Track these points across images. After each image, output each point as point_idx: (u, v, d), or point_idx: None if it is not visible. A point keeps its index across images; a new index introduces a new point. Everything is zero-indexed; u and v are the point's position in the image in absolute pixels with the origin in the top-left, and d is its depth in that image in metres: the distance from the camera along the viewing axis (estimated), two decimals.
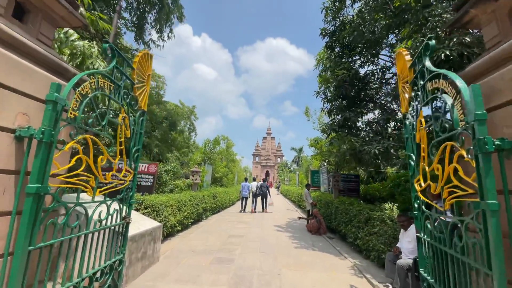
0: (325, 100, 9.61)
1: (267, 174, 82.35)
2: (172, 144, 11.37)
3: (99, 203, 2.75)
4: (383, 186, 10.18)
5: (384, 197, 9.69)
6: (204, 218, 10.27)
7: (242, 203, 13.54)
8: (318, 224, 8.33)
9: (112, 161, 2.96)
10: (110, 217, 3.00)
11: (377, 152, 6.42)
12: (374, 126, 8.52)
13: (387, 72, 9.22)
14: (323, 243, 7.30)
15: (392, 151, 6.72)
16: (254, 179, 17.09)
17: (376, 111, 8.99)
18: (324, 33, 9.37)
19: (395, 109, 8.53)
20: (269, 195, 14.71)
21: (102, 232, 2.88)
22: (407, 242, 3.89)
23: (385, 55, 9.17)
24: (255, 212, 13.21)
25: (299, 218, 10.63)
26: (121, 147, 3.15)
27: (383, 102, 8.95)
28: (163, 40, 11.10)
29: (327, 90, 9.44)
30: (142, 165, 8.00)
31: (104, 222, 2.90)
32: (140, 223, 4.63)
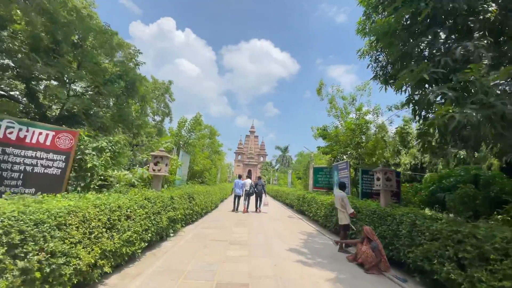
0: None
1: (250, 172, 78.54)
2: (124, 117, 7.22)
3: None
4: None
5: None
6: (172, 234, 6.26)
7: (234, 202, 12.65)
8: (377, 256, 4.66)
9: None
10: None
11: None
12: None
13: None
14: None
15: None
16: (249, 177, 14.42)
17: None
18: None
19: None
20: (265, 194, 13.40)
21: None
22: None
23: None
24: (247, 212, 12.24)
25: (337, 242, 6.41)
26: None
27: None
28: None
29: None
30: (38, 132, 3.87)
31: None
32: None
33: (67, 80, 7.87)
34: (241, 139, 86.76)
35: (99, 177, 4.43)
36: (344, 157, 10.19)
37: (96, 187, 4.42)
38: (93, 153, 4.40)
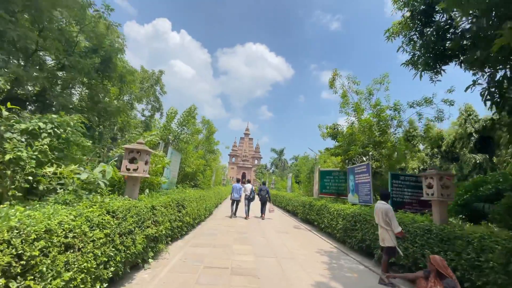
0: None
1: (244, 175, 76.67)
2: (96, 101, 5.50)
3: None
4: None
5: None
6: (151, 259, 4.53)
7: (232, 207, 11.87)
8: None
9: None
10: None
11: None
12: None
13: None
14: None
15: None
16: (249, 181, 13.58)
17: None
18: None
19: None
20: (269, 201, 12.69)
21: None
22: None
23: None
24: (248, 217, 11.56)
25: (387, 277, 4.31)
26: None
27: None
28: None
29: None
30: None
31: None
32: None
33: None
34: (236, 141, 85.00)
35: (26, 177, 2.73)
36: (364, 158, 8.66)
37: (18, 193, 2.70)
38: (20, 138, 2.70)
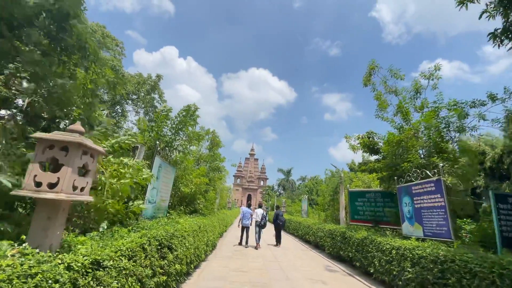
0: None
1: (249, 197, 73.10)
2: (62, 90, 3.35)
3: None
4: None
5: None
6: None
7: (242, 235, 10.93)
8: None
9: None
10: None
11: None
12: None
13: None
14: None
15: None
16: (260, 206, 12.27)
17: None
18: None
19: None
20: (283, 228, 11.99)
21: None
22: None
23: None
24: (259, 247, 10.42)
25: None
26: None
27: None
28: None
29: None
30: None
31: None
32: None
33: None
34: (241, 161, 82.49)
35: None
36: (429, 173, 6.16)
37: None
38: None
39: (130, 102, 12.86)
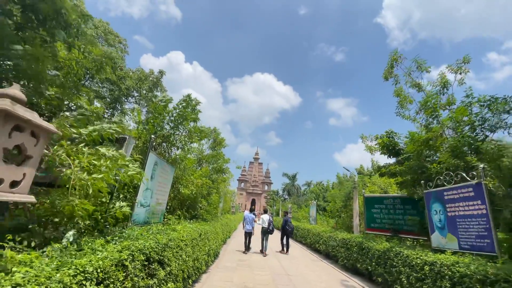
0: None
1: (253, 202, 72.04)
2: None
3: None
4: None
5: None
6: None
7: (246, 241, 10.51)
8: None
9: None
10: None
11: None
12: None
13: None
14: None
15: None
16: (266, 211, 11.49)
17: None
18: None
19: None
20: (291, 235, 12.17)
21: None
22: None
23: None
24: (266, 254, 10.01)
25: None
26: None
27: None
28: None
29: None
30: None
31: None
32: None
33: None
34: (245, 165, 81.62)
35: None
36: (465, 176, 5.28)
37: None
38: None
39: (131, 99, 12.30)
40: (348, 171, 12.32)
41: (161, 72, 12.69)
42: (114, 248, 2.61)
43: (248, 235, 10.45)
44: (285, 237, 11.21)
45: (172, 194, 7.32)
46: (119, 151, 3.13)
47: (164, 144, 5.44)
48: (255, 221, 11.19)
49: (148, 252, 3.05)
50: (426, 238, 7.90)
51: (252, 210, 10.57)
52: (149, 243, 3.16)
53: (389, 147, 8.26)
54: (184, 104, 5.56)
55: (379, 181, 11.52)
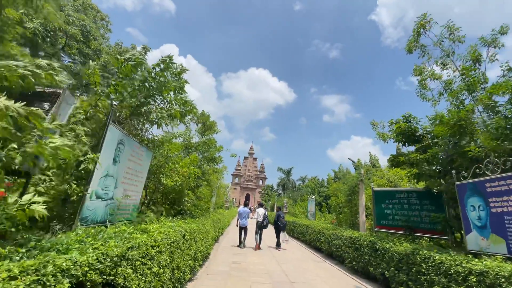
0: None
1: (248, 197, 70.97)
2: None
3: None
4: None
5: None
6: None
7: (240, 235, 10.30)
8: None
9: None
10: None
11: None
12: None
13: None
14: None
15: None
16: (261, 205, 11.78)
17: None
18: None
19: None
20: (284, 230, 11.68)
21: None
22: None
23: None
24: (260, 248, 10.06)
25: None
26: None
27: None
28: None
29: None
30: None
31: None
32: None
33: None
34: (240, 160, 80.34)
35: None
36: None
37: None
38: None
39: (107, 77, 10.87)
40: (354, 162, 11.27)
41: (145, 48, 11.10)
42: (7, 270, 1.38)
43: (244, 229, 10.34)
44: (277, 233, 11.16)
45: (153, 185, 6.07)
46: (38, 108, 1.85)
47: (135, 120, 4.16)
48: (251, 216, 11.12)
49: (80, 273, 1.82)
50: (448, 238, 6.90)
51: (246, 205, 9.93)
52: (85, 258, 1.93)
53: (407, 133, 7.15)
54: (162, 66, 4.29)
55: (387, 175, 10.47)
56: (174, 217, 5.59)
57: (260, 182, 76.19)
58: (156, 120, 4.18)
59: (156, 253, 3.16)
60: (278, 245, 10.85)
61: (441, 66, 6.96)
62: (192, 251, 5.07)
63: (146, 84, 4.07)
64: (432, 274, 4.59)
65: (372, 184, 9.08)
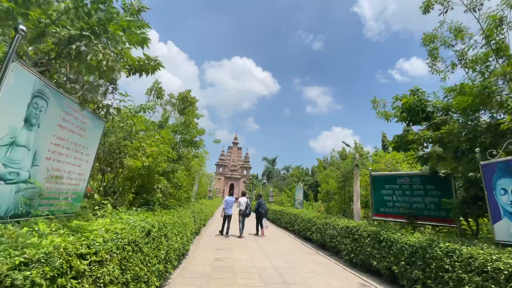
0: None
1: (232, 187, 70.11)
2: None
3: None
4: None
5: None
6: None
7: (224, 224, 10.47)
8: None
9: None
10: None
11: None
12: None
13: None
14: None
15: None
16: (244, 194, 11.60)
17: None
18: None
19: None
20: (266, 216, 11.53)
21: None
22: None
23: None
24: (242, 237, 10.08)
25: None
26: None
27: None
28: None
29: None
30: None
31: None
32: None
33: None
34: (224, 149, 78.85)
35: None
36: None
37: None
38: None
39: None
40: (348, 146, 10.46)
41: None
42: None
43: (228, 218, 10.43)
44: (258, 220, 11.33)
45: (113, 167, 4.78)
46: None
47: (64, 63, 2.80)
48: (236, 206, 11.07)
49: None
50: (455, 226, 6.24)
51: (232, 194, 9.61)
52: None
53: (415, 109, 6.28)
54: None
55: (384, 159, 9.75)
56: (138, 209, 4.37)
57: (245, 172, 75.46)
58: (101, 68, 2.85)
59: (89, 265, 1.97)
60: (257, 231, 11.18)
61: (455, 32, 6.09)
62: (162, 251, 3.91)
63: (80, 12, 2.72)
64: (460, 271, 3.77)
65: (370, 168, 8.27)
